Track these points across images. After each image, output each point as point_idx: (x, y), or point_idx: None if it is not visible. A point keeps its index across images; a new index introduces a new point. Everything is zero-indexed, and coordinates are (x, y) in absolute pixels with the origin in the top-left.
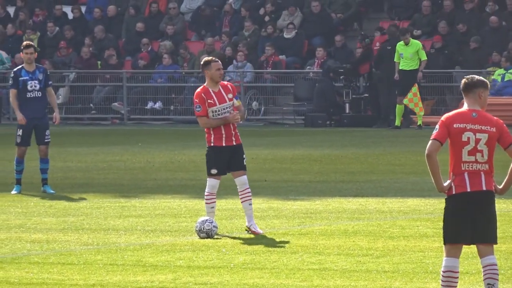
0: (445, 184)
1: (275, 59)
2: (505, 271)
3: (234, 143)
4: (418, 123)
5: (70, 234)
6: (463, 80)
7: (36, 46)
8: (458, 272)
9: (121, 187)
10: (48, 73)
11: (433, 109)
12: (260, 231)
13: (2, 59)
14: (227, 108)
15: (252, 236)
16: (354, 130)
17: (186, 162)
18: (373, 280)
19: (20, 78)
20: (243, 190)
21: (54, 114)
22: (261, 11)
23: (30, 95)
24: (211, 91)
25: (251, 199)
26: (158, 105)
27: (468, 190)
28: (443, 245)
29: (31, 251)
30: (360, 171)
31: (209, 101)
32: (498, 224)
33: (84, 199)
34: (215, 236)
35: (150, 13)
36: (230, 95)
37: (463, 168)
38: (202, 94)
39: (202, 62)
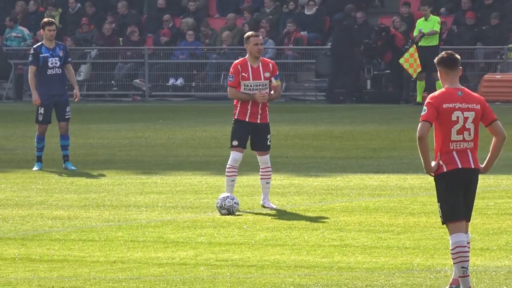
0: (432, 165)
1: (296, 35)
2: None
3: (259, 121)
4: (417, 100)
5: (91, 210)
6: (446, 56)
7: (57, 22)
8: (466, 246)
9: (143, 164)
10: (68, 50)
11: None
12: (274, 206)
13: (24, 36)
14: (260, 85)
15: (273, 212)
16: (375, 107)
17: (207, 139)
18: (394, 257)
19: (41, 55)
20: (264, 168)
21: (74, 91)
22: None
23: (51, 72)
24: (249, 65)
25: (269, 178)
26: (179, 81)
27: (459, 166)
28: (445, 225)
29: (53, 228)
30: (381, 148)
31: (243, 74)
32: None
33: (105, 175)
34: (236, 213)
35: None
36: (268, 74)
37: (451, 147)
38: (238, 66)
39: (244, 36)
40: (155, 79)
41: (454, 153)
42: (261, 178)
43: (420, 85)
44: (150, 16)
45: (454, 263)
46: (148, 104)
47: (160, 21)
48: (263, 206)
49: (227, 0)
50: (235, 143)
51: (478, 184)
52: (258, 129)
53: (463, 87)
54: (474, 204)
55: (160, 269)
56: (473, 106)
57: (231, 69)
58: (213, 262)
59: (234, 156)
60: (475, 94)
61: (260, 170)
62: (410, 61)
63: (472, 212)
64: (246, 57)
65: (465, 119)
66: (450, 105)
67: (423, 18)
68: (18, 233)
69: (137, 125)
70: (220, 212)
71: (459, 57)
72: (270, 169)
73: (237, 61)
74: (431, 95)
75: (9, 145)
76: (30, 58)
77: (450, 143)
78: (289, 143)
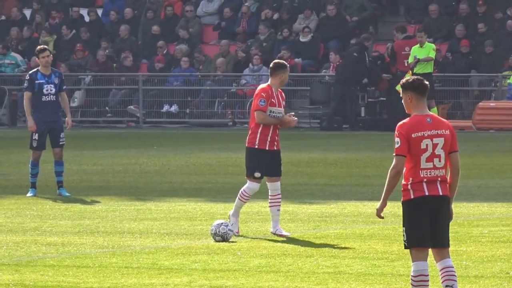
0: (381, 204)
1: (290, 62)
2: (486, 277)
3: (275, 148)
4: None
5: (85, 237)
6: (416, 80)
7: (52, 48)
8: (428, 275)
9: (137, 190)
10: (63, 78)
11: (448, 113)
12: (287, 234)
13: (17, 62)
14: (281, 113)
15: (267, 239)
16: (369, 134)
17: (201, 166)
18: (388, 284)
19: (36, 81)
20: (274, 195)
21: (67, 119)
22: (275, 16)
23: (46, 98)
24: (273, 92)
25: (279, 205)
26: (173, 108)
27: (426, 193)
28: (409, 250)
29: (47, 254)
30: (375, 175)
31: (272, 100)
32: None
33: (100, 202)
34: (231, 240)
35: (165, 16)
36: (284, 103)
37: (421, 175)
38: (269, 91)
39: (275, 65)
40: (149, 105)
41: (425, 181)
42: (271, 206)
43: None
44: (145, 43)
45: None
46: (142, 130)
47: (154, 48)
48: (275, 234)
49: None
50: (257, 175)
51: (473, 212)
52: (275, 156)
53: (431, 113)
54: (468, 231)
55: None
56: (443, 132)
57: (262, 93)
58: None
59: (253, 187)
60: (443, 119)
61: (270, 197)
62: None
63: (450, 238)
64: (269, 83)
65: (434, 145)
66: (419, 134)
67: (418, 45)
68: (12, 259)
69: (131, 151)
70: (214, 239)
71: (428, 83)
72: (280, 196)
73: (264, 86)
74: (400, 123)
75: (3, 171)
76: (25, 84)
77: (420, 171)
78: (283, 170)
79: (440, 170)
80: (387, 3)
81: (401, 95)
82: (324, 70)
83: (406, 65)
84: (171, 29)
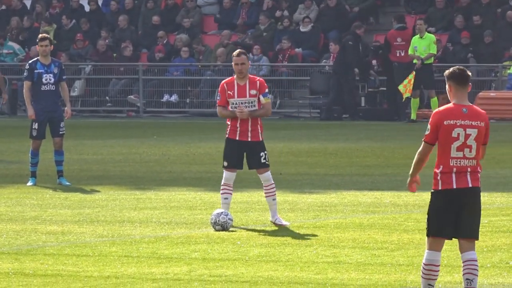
0: (411, 180)
1: (291, 52)
2: (486, 267)
3: (250, 139)
4: (412, 117)
5: (85, 226)
6: (457, 71)
7: (52, 38)
8: (439, 265)
9: (137, 180)
10: (63, 67)
11: (448, 103)
12: (286, 223)
13: (15, 51)
14: (245, 102)
15: (267, 229)
16: (370, 124)
17: (201, 155)
18: (387, 274)
19: (36, 71)
20: (267, 186)
21: (66, 108)
22: (278, 14)
23: (45, 88)
24: (235, 83)
25: (274, 195)
26: (174, 98)
27: (454, 187)
28: (426, 238)
29: (46, 243)
30: (375, 165)
31: (229, 92)
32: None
33: (100, 191)
34: (230, 229)
35: (166, 6)
36: (254, 91)
37: (451, 164)
38: (225, 85)
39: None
40: (149, 95)
41: (455, 170)
42: (266, 196)
43: (415, 102)
44: (145, 33)
45: (422, 277)
46: (143, 120)
47: (154, 38)
48: (274, 224)
49: (223, 17)
50: (225, 163)
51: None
52: (250, 148)
53: (471, 104)
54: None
55: (154, 284)
56: (477, 123)
57: (218, 89)
58: (207, 277)
59: (225, 175)
60: (482, 111)
61: (264, 188)
62: (408, 87)
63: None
64: (234, 75)
65: (467, 136)
66: (451, 122)
67: (418, 36)
68: (12, 248)
69: (131, 141)
70: (214, 228)
71: (470, 73)
72: (273, 185)
73: (224, 80)
74: (435, 110)
75: (3, 160)
76: (25, 74)
77: (450, 160)
78: (283, 160)
79: (471, 160)
80: None
81: (401, 92)
82: (324, 60)
83: (397, 55)
84: (171, 19)
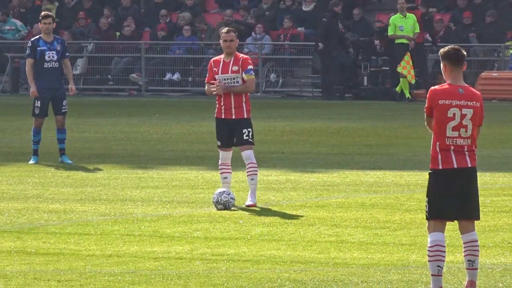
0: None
1: (293, 31)
2: (487, 246)
3: (234, 117)
4: (407, 96)
5: (87, 204)
6: (453, 51)
7: (54, 16)
8: (445, 246)
9: (139, 158)
10: (66, 44)
11: None
12: (250, 202)
13: (17, 27)
14: (227, 78)
15: (269, 208)
16: (372, 103)
17: (203, 134)
18: (390, 253)
19: (38, 48)
20: (247, 165)
21: (70, 85)
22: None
23: (47, 65)
24: (221, 60)
25: (253, 174)
26: (176, 76)
27: (455, 166)
28: (427, 221)
29: (48, 221)
30: (377, 144)
31: (214, 69)
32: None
33: (102, 169)
34: (232, 208)
35: None
36: (236, 67)
37: (447, 143)
38: (212, 62)
39: None
40: (151, 73)
41: (452, 149)
42: (247, 175)
43: (404, 81)
44: (147, 11)
45: (429, 261)
46: (145, 98)
47: (157, 16)
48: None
49: None
50: (218, 143)
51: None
52: (235, 125)
53: (466, 85)
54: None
55: (156, 263)
56: (473, 103)
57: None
58: (209, 256)
59: (221, 155)
60: (476, 91)
61: (246, 166)
62: (408, 68)
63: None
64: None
65: (463, 116)
66: (446, 102)
67: (399, 15)
68: (13, 226)
69: (134, 119)
70: (216, 207)
71: (465, 53)
72: (253, 165)
73: (213, 57)
74: (432, 88)
75: (5, 138)
76: (27, 51)
77: (446, 139)
78: (286, 139)
79: (466, 139)
80: None
81: (403, 75)
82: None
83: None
84: None
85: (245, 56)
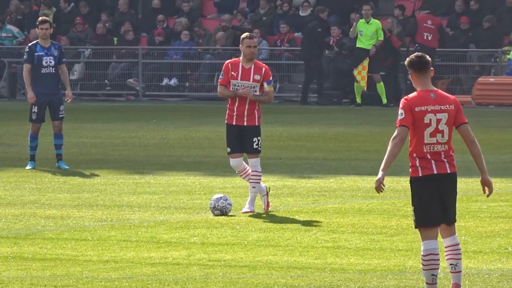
0: (382, 175)
1: (290, 36)
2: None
3: (245, 124)
4: (358, 101)
5: (84, 210)
6: (417, 59)
7: (51, 21)
8: (438, 254)
9: (136, 164)
10: (63, 50)
11: (448, 88)
12: (247, 210)
13: (14, 34)
14: (248, 87)
15: (266, 213)
16: (369, 109)
17: (200, 139)
18: (387, 259)
19: (35, 54)
20: (252, 172)
21: (66, 92)
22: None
23: (45, 70)
24: (240, 65)
25: (255, 182)
26: (173, 81)
27: (435, 172)
28: (418, 229)
29: (45, 227)
30: (374, 150)
31: (232, 73)
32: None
33: (99, 175)
34: (229, 214)
35: None
36: (258, 77)
37: (425, 150)
38: (229, 65)
39: (241, 37)
40: (149, 79)
41: (429, 156)
42: (249, 182)
43: (358, 86)
44: (145, 16)
45: (424, 269)
46: (142, 104)
47: (154, 21)
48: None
49: (223, 1)
50: (228, 150)
51: (472, 187)
52: (245, 132)
53: (436, 89)
54: (467, 207)
55: (153, 268)
56: (446, 107)
57: (223, 67)
58: (206, 262)
59: (231, 163)
60: (448, 95)
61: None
62: (362, 74)
63: (457, 214)
64: (240, 57)
65: (438, 121)
66: (422, 108)
67: (363, 20)
68: (10, 232)
69: (131, 124)
70: (213, 213)
71: (429, 58)
72: (257, 173)
73: (230, 60)
74: (404, 98)
75: (2, 144)
76: (25, 56)
77: (424, 146)
78: (283, 144)
79: (443, 145)
80: None
81: (357, 80)
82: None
83: (425, 38)
84: (171, 2)
85: (266, 66)
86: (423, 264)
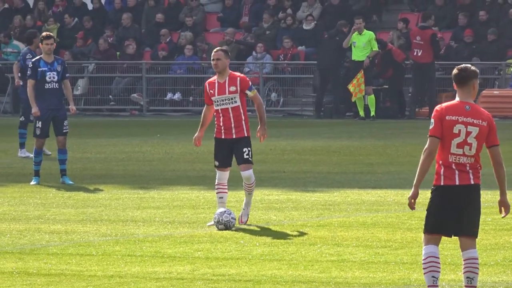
0: (413, 192)
1: (293, 51)
2: (489, 265)
3: (234, 136)
4: (361, 114)
5: (88, 225)
6: (457, 72)
7: (55, 37)
8: (439, 258)
9: (140, 178)
10: (66, 65)
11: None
12: (241, 221)
13: (20, 50)
14: (225, 100)
15: (270, 227)
16: (373, 122)
17: (204, 154)
18: (391, 272)
19: (39, 69)
20: (245, 184)
21: (70, 106)
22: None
23: (48, 86)
24: (216, 81)
25: (249, 194)
26: (177, 96)
27: (457, 183)
28: (423, 234)
29: (50, 242)
30: (378, 163)
31: (210, 91)
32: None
33: (103, 190)
34: (233, 228)
35: (169, 4)
36: (233, 88)
37: (450, 160)
38: (207, 84)
39: None
40: (152, 93)
41: (454, 166)
42: (245, 191)
43: (360, 99)
44: (148, 31)
45: (424, 273)
46: (146, 118)
47: (158, 36)
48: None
49: (227, 15)
50: (216, 163)
51: None
52: (235, 144)
53: (474, 103)
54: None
55: (158, 283)
56: (479, 122)
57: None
58: (210, 276)
59: (218, 175)
60: (484, 111)
61: (243, 184)
62: (356, 86)
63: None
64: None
65: (468, 133)
66: (453, 118)
67: (357, 32)
68: (15, 247)
69: (135, 139)
70: (217, 227)
71: (472, 71)
72: (250, 184)
73: (208, 80)
74: (438, 106)
75: (7, 159)
76: (28, 72)
77: (450, 156)
78: (287, 158)
79: (470, 158)
80: None
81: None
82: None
83: (415, 54)
84: (174, 17)
85: (241, 75)
86: (424, 268)
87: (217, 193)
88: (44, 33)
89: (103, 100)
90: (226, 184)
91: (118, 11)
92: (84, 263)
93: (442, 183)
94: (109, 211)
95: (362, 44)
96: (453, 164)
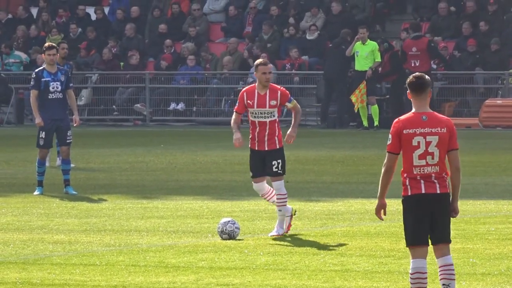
0: (379, 203)
1: (300, 61)
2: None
3: (266, 148)
4: (365, 124)
5: (92, 235)
6: (414, 80)
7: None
8: (426, 272)
9: (144, 188)
10: (70, 75)
11: (455, 110)
12: (274, 233)
13: (22, 60)
14: (265, 113)
15: (274, 237)
16: (376, 131)
17: (208, 163)
18: (395, 282)
19: (42, 79)
20: (276, 195)
21: (74, 116)
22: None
23: (52, 96)
24: (256, 92)
25: (281, 205)
26: (180, 106)
27: (423, 191)
28: (408, 248)
29: (54, 252)
30: None
31: (248, 101)
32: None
33: (106, 200)
34: (237, 238)
35: (172, 15)
36: (274, 102)
37: (415, 172)
38: (245, 94)
39: (254, 64)
40: (156, 103)
41: (419, 177)
42: (276, 205)
43: (363, 108)
44: (151, 41)
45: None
46: (149, 128)
47: (161, 46)
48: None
49: (230, 25)
50: (251, 174)
51: (480, 209)
52: (267, 156)
53: (431, 111)
54: (475, 229)
55: None
56: (437, 130)
57: (239, 95)
58: (214, 286)
59: (254, 187)
60: (443, 117)
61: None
62: (357, 96)
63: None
64: (255, 83)
65: (428, 143)
66: (411, 131)
67: (360, 42)
68: (19, 257)
69: (138, 149)
70: (221, 237)
71: (427, 80)
72: (281, 196)
73: (245, 87)
74: (396, 120)
75: (10, 170)
76: (32, 82)
77: (414, 168)
78: (290, 168)
79: (434, 167)
80: (394, 1)
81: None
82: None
83: (412, 65)
84: (177, 27)
85: (281, 88)
86: (411, 283)
87: (268, 201)
88: (46, 44)
89: (106, 110)
90: (268, 193)
91: (121, 22)
92: (87, 273)
93: (409, 193)
94: (112, 221)
95: (365, 53)
96: (418, 176)
